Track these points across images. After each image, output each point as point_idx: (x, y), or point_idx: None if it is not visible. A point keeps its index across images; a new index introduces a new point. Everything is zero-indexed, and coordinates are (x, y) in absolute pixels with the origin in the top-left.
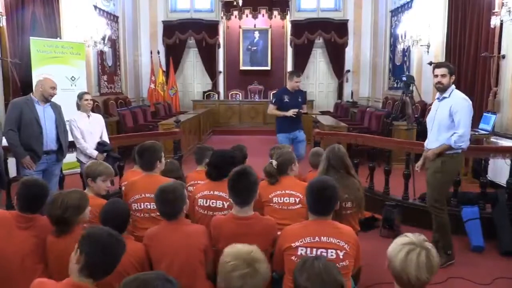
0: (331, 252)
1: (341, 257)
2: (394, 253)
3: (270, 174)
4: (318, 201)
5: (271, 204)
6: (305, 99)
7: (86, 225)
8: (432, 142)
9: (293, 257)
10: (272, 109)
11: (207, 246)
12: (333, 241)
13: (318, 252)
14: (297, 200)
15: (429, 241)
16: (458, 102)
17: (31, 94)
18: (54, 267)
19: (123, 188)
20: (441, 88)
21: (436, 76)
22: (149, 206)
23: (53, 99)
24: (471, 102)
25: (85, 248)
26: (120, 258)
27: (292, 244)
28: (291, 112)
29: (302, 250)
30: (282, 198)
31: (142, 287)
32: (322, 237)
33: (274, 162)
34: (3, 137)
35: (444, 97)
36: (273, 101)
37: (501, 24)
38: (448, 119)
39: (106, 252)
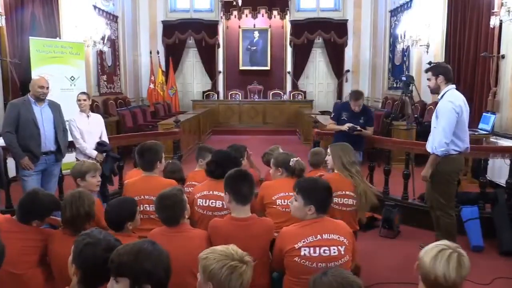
0: (334, 249)
1: (342, 252)
2: (425, 252)
3: (303, 170)
4: (327, 198)
5: (275, 206)
6: (371, 121)
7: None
8: (429, 144)
9: (296, 258)
10: (329, 124)
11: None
12: (334, 237)
13: (321, 251)
14: None
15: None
16: (441, 106)
17: (28, 94)
18: (61, 262)
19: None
20: (432, 91)
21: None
22: (148, 208)
23: (52, 99)
24: (455, 104)
25: (80, 264)
26: None
27: (295, 245)
28: (346, 127)
29: (305, 250)
30: (285, 201)
31: (136, 249)
32: (323, 235)
33: (300, 160)
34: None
35: (439, 99)
36: (332, 116)
37: (501, 24)
38: (436, 122)
39: (101, 268)
